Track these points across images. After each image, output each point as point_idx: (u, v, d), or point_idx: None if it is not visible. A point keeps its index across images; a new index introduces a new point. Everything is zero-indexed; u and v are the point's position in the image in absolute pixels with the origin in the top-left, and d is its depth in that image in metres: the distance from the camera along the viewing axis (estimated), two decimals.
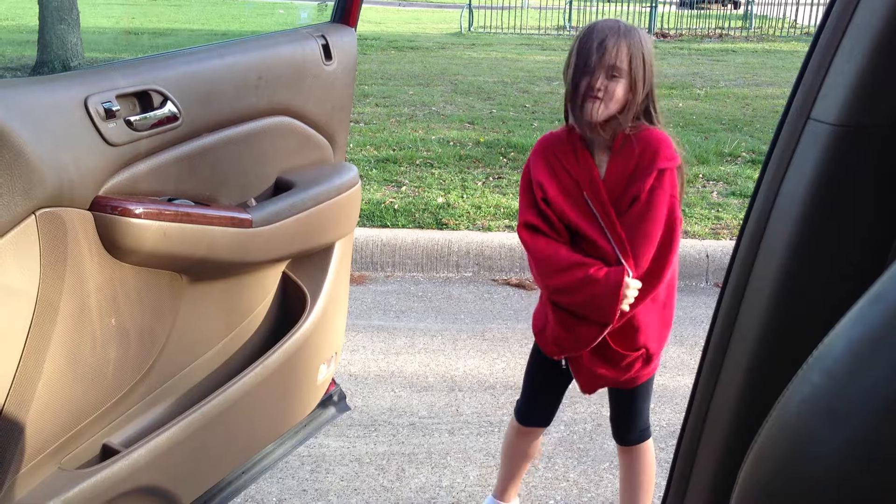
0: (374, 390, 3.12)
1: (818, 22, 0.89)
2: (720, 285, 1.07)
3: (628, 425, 2.19)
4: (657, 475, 2.58)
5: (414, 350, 3.45)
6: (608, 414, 2.85)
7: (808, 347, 0.67)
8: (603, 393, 3.13)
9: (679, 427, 1.16)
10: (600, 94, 1.84)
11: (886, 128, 0.79)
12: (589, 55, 1.84)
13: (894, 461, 0.55)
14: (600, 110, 1.85)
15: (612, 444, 2.75)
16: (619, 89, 1.85)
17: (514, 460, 2.33)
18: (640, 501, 2.23)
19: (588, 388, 2.11)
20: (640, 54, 1.86)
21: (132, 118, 1.46)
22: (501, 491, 2.38)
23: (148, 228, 1.45)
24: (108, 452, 1.55)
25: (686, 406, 1.15)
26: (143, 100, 1.49)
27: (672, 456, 1.19)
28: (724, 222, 4.63)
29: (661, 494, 1.19)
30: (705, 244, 4.35)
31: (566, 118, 1.97)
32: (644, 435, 2.19)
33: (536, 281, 2.01)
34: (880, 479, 0.56)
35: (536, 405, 2.24)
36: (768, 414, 0.70)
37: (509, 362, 3.35)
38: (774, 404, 0.69)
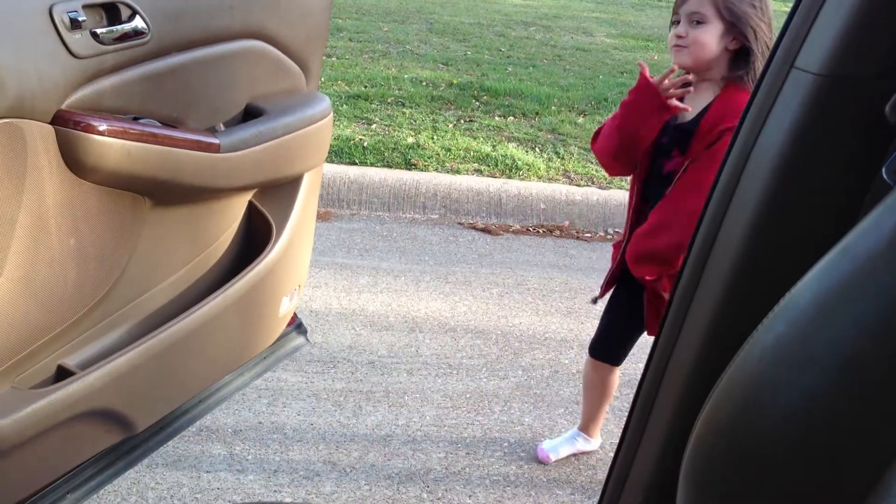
0: (334, 327, 3.11)
1: None
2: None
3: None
4: (613, 424, 2.64)
5: (376, 289, 3.44)
6: (566, 361, 2.87)
7: (775, 298, 0.67)
8: (561, 340, 3.15)
9: (637, 378, 1.17)
10: (682, 42, 1.85)
11: (871, 79, 0.78)
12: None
13: (855, 409, 0.56)
14: (683, 57, 1.86)
15: (568, 391, 2.79)
16: (706, 36, 1.83)
17: (587, 394, 2.46)
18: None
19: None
20: (743, 2, 1.82)
21: (98, 30, 1.40)
22: (583, 426, 2.51)
23: (111, 146, 1.41)
24: (63, 373, 1.53)
25: (647, 356, 1.15)
26: (111, 12, 1.43)
27: (630, 404, 1.20)
28: None
29: (616, 442, 1.21)
30: None
31: None
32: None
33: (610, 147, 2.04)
34: (841, 427, 0.56)
35: (606, 339, 2.34)
36: (730, 362, 0.70)
37: (471, 306, 3.36)
38: (737, 353, 0.69)
